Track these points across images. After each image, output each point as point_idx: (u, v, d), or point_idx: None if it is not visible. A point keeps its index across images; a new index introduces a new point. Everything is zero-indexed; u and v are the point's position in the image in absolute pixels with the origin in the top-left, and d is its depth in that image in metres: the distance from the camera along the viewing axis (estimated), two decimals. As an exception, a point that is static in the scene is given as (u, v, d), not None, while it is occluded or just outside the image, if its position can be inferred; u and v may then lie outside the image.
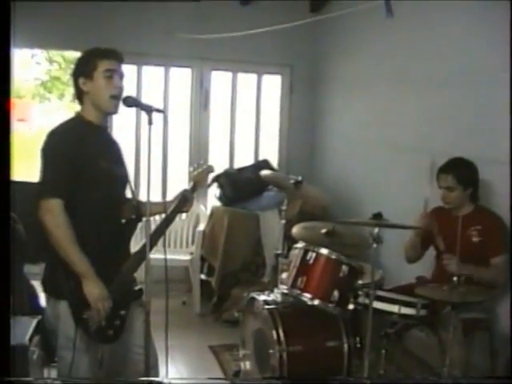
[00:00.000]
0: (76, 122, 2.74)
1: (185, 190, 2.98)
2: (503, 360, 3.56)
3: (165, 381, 2.61)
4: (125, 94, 2.71)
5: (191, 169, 3.08)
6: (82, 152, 2.63)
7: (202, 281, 5.46)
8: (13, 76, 2.43)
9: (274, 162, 6.17)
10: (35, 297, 3.69)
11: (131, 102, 2.64)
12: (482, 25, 3.97)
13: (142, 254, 2.70)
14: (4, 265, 2.24)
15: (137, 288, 2.84)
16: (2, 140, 2.25)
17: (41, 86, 15.05)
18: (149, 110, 2.53)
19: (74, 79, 2.73)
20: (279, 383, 3.13)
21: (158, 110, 2.58)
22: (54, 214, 2.53)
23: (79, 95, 2.75)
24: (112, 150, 2.86)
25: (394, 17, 3.89)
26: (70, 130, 2.71)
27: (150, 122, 2.51)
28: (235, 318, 4.47)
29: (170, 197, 5.53)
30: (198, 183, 3.04)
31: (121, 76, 2.74)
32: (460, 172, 3.62)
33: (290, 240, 4.22)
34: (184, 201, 2.94)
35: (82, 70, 2.71)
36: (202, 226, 5.57)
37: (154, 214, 2.95)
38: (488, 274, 3.48)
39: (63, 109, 14.14)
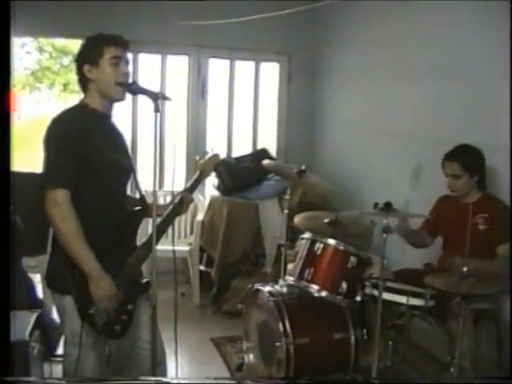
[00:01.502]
0: (80, 110, 2.64)
1: (183, 190, 2.88)
2: (510, 350, 3.51)
3: (173, 381, 2.53)
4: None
5: (197, 157, 2.98)
6: (87, 140, 2.53)
7: (201, 272, 5.40)
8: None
9: (273, 151, 6.11)
10: (33, 289, 3.63)
11: (137, 88, 2.56)
12: (483, 14, 3.91)
13: (149, 245, 2.63)
14: (4, 259, 2.16)
15: (144, 281, 2.75)
16: (2, 131, 2.17)
17: (31, 76, 14.87)
18: (155, 97, 2.44)
19: (78, 66, 2.63)
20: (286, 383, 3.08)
21: (165, 97, 2.48)
22: (60, 206, 2.44)
23: (83, 82, 2.65)
24: (116, 140, 2.76)
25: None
26: (73, 117, 2.61)
27: (157, 110, 2.41)
28: (236, 309, 4.40)
29: (165, 186, 5.59)
30: (204, 172, 2.95)
31: (127, 63, 2.66)
32: (466, 159, 3.57)
33: (289, 230, 4.17)
34: (182, 202, 2.84)
35: (87, 57, 2.61)
36: (200, 216, 5.49)
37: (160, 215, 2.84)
38: (494, 266, 3.42)
39: (53, 98, 14.00)
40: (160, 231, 2.66)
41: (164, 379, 2.64)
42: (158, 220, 2.66)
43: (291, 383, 2.97)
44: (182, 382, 2.52)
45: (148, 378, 2.43)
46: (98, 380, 2.49)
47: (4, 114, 2.21)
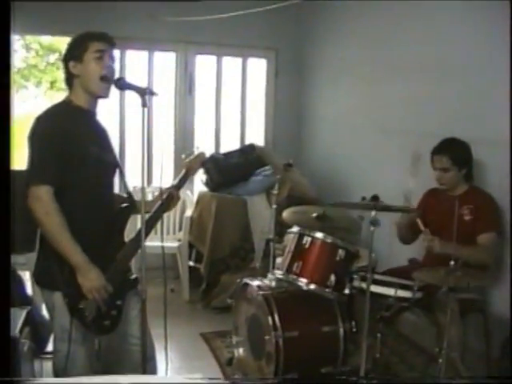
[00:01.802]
0: (64, 107, 2.65)
1: (171, 187, 2.89)
2: (497, 342, 3.55)
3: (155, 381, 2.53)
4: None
5: (183, 156, 2.99)
6: (71, 137, 2.54)
7: (190, 267, 5.41)
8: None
9: (260, 146, 6.10)
10: (22, 287, 3.62)
11: (124, 84, 2.56)
12: (470, 9, 3.93)
13: (137, 241, 2.64)
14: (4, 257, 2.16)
15: (132, 277, 2.77)
16: (2, 130, 2.17)
17: (17, 74, 14.76)
18: (143, 92, 2.44)
19: (65, 63, 2.65)
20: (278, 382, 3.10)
21: (152, 93, 2.48)
22: (43, 202, 2.44)
23: (69, 79, 2.66)
24: (101, 136, 2.77)
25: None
26: (58, 114, 2.61)
27: (145, 105, 2.42)
28: (225, 304, 4.41)
29: (154, 182, 5.58)
30: (190, 170, 2.97)
31: (111, 58, 2.66)
32: (455, 152, 3.60)
33: (278, 224, 4.18)
34: (170, 199, 2.85)
35: (72, 53, 2.63)
36: (189, 212, 5.50)
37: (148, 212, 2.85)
38: (473, 253, 3.43)
39: (40, 96, 13.91)
40: (148, 227, 2.66)
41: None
42: (146, 216, 2.67)
43: (281, 382, 2.99)
44: (169, 381, 2.51)
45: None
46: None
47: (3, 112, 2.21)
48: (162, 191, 2.83)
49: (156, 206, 2.81)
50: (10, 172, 2.24)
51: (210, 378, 3.62)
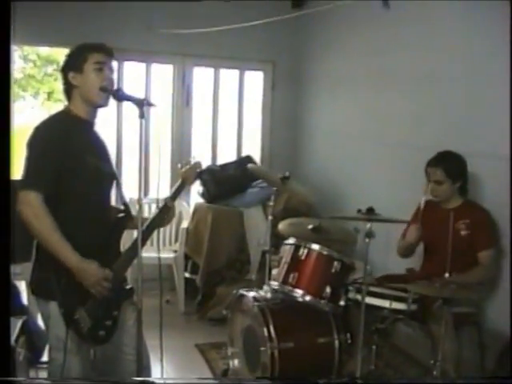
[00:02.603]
0: (63, 116, 2.68)
1: (166, 199, 2.88)
2: (491, 354, 3.56)
3: (159, 381, 2.55)
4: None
5: (179, 165, 3.00)
6: (68, 146, 2.56)
7: (186, 279, 5.41)
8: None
9: (257, 158, 6.14)
10: (18, 296, 3.62)
11: (122, 95, 2.58)
12: (468, 18, 3.98)
13: (133, 251, 2.65)
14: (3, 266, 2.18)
15: (128, 287, 2.77)
16: (2, 139, 2.19)
17: (15, 85, 14.77)
18: (141, 103, 2.46)
19: (64, 74, 2.67)
20: (272, 383, 3.09)
21: (150, 104, 2.51)
22: (31, 206, 2.45)
23: (68, 90, 2.68)
24: (99, 147, 2.79)
25: (389, 9, 3.84)
26: (56, 123, 2.64)
27: (142, 116, 2.44)
28: (221, 315, 4.41)
29: (151, 194, 5.59)
30: (186, 180, 2.94)
31: (111, 69, 2.69)
32: (449, 165, 3.63)
33: (274, 236, 4.19)
34: (166, 209, 2.85)
35: (72, 64, 2.65)
36: (185, 224, 5.51)
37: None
38: (477, 275, 3.48)
39: (37, 107, 13.93)
40: (144, 237, 2.66)
41: (149, 379, 2.66)
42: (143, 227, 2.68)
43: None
44: (167, 381, 2.53)
45: (134, 378, 2.45)
46: (84, 380, 2.50)
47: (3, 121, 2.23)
48: (158, 201, 2.84)
49: (152, 215, 2.82)
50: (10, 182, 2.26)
51: (206, 378, 3.62)
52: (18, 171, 2.61)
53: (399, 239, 3.93)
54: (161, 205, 2.83)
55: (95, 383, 2.06)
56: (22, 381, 2.49)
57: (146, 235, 2.72)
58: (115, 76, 2.75)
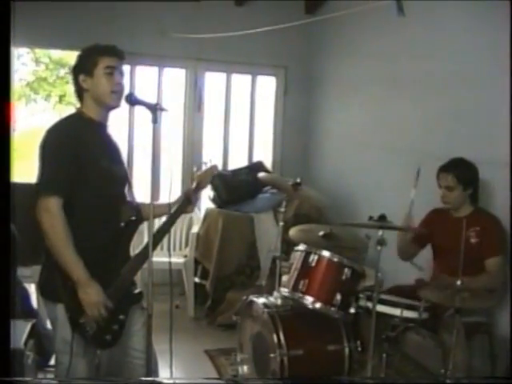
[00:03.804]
0: (76, 119, 2.69)
1: (188, 190, 2.91)
2: (503, 365, 3.54)
3: (167, 381, 2.55)
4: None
5: (195, 168, 3.01)
6: (82, 149, 2.57)
7: (195, 284, 5.42)
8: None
9: (268, 164, 6.16)
10: (28, 299, 3.63)
11: (134, 99, 2.59)
12: (481, 26, 3.97)
13: (143, 255, 2.66)
14: (4, 268, 2.19)
15: (137, 291, 2.78)
16: (3, 142, 2.20)
17: (27, 87, 14.87)
18: (153, 108, 2.48)
19: (74, 76, 2.68)
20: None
21: (162, 109, 2.52)
22: (51, 214, 2.47)
23: (79, 92, 2.69)
24: (112, 149, 2.80)
25: (405, 16, 3.85)
26: (69, 126, 2.65)
27: (155, 121, 2.46)
28: (230, 321, 4.41)
29: (161, 199, 5.60)
30: (201, 183, 2.95)
31: (121, 73, 2.69)
32: (460, 172, 3.63)
33: (284, 242, 4.19)
34: (187, 201, 2.88)
35: (82, 67, 2.66)
36: (195, 229, 5.52)
37: (158, 216, 2.87)
38: (483, 281, 3.46)
39: (49, 110, 14.00)
40: (155, 241, 2.65)
41: (158, 379, 2.67)
42: (155, 228, 2.69)
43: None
44: (177, 381, 2.54)
45: (142, 379, 2.46)
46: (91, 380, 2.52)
47: (4, 125, 2.24)
48: (170, 206, 2.84)
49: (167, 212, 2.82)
50: (11, 185, 2.27)
51: (209, 378, 3.62)
52: (27, 174, 2.62)
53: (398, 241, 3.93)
54: (173, 209, 2.83)
55: (102, 383, 2.07)
56: (29, 381, 2.50)
57: (157, 239, 2.72)
58: (127, 80, 2.75)
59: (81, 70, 2.67)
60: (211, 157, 3.12)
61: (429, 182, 3.76)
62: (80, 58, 2.70)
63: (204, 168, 3.00)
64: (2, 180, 2.20)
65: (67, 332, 2.55)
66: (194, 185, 2.93)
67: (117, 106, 2.69)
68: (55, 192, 2.49)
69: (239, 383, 3.02)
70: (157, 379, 2.59)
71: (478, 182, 3.70)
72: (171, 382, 2.44)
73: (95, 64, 2.63)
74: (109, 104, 2.67)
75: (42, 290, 2.71)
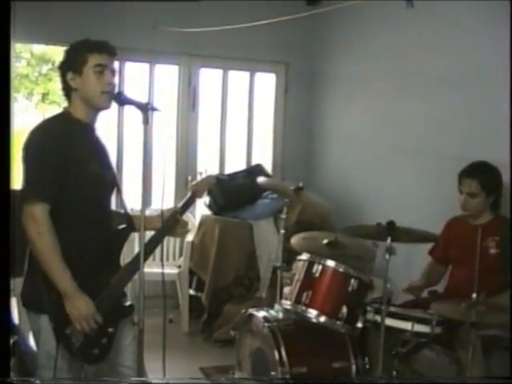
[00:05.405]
0: (63, 119, 2.68)
1: (174, 212, 2.88)
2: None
3: (159, 381, 2.54)
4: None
5: (190, 177, 3.00)
6: (69, 151, 2.56)
7: (190, 296, 5.41)
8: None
9: (268, 167, 6.16)
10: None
11: (124, 99, 2.59)
12: (500, 19, 3.96)
13: (134, 265, 2.65)
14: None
15: (127, 304, 2.77)
16: (1, 147, 2.20)
17: (6, 85, 14.83)
18: (144, 108, 2.47)
19: (61, 74, 2.66)
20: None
21: (154, 109, 2.52)
22: (37, 221, 2.47)
23: (66, 91, 2.68)
24: (100, 152, 2.79)
25: (414, 8, 3.84)
26: (56, 127, 2.64)
27: (146, 121, 2.45)
28: (228, 336, 4.40)
29: (154, 204, 5.60)
30: (196, 193, 2.96)
31: (112, 72, 2.69)
32: (485, 178, 3.60)
33: (286, 251, 4.18)
34: (172, 222, 2.85)
35: (71, 64, 2.64)
36: (190, 237, 5.50)
37: (149, 229, 2.84)
38: (508, 298, 3.44)
39: (31, 109, 13.98)
40: (147, 251, 2.65)
41: (149, 379, 2.66)
42: (146, 239, 2.68)
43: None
44: (170, 381, 2.52)
45: (133, 379, 2.44)
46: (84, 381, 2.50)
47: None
48: (163, 213, 2.83)
49: (158, 228, 2.82)
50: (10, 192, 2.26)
51: (208, 379, 3.60)
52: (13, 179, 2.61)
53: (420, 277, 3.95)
54: (166, 217, 2.82)
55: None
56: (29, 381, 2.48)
57: (149, 249, 2.72)
58: (117, 78, 2.75)
59: (69, 67, 2.65)
60: (207, 166, 3.12)
61: (440, 186, 3.75)
62: (68, 54, 2.69)
63: (199, 178, 3.00)
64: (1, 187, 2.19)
65: (51, 345, 2.54)
66: (189, 195, 2.93)
67: (107, 107, 2.69)
68: (41, 198, 2.49)
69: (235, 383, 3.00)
70: (147, 380, 2.57)
71: (501, 189, 3.68)
72: (164, 382, 2.42)
73: (84, 61, 2.62)
74: (98, 105, 2.66)
75: (24, 301, 2.69)
